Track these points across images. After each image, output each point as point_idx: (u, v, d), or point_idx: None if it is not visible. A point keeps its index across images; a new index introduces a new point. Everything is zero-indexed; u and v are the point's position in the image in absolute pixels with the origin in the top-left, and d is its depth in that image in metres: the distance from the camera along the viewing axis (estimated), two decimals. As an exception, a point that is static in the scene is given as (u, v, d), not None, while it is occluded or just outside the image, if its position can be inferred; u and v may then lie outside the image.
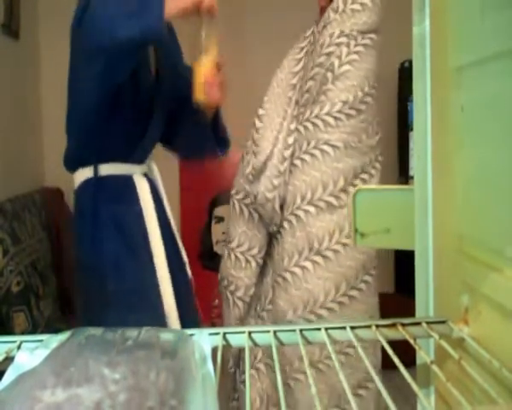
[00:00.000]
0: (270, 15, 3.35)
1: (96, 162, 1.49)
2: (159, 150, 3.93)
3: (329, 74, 1.59)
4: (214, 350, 0.60)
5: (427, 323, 0.67)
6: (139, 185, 1.53)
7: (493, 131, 0.60)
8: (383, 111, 3.64)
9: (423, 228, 0.77)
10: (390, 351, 0.61)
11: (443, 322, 0.67)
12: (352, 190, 1.54)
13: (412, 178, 0.82)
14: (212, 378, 0.50)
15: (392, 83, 3.61)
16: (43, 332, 2.48)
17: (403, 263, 3.53)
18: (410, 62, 0.77)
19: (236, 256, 1.77)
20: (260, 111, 1.72)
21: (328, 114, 1.59)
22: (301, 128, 1.64)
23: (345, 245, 1.58)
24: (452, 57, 0.68)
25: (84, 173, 1.52)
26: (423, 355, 0.64)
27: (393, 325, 0.66)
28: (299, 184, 1.61)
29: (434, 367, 0.60)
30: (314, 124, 1.60)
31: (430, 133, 0.76)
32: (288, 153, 1.65)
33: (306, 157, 1.61)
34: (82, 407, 0.42)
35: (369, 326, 0.67)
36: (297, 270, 1.59)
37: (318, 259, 1.58)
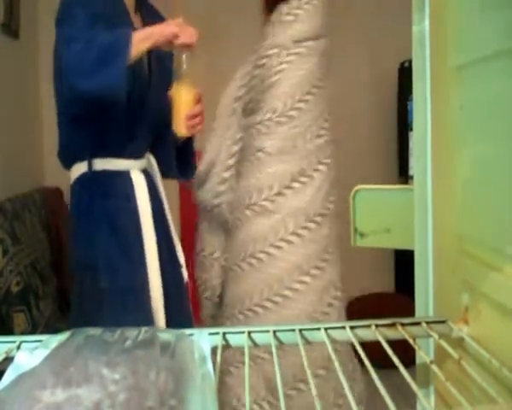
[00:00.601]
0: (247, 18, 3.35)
1: (90, 157, 1.46)
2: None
3: (262, 85, 1.71)
4: (214, 350, 0.60)
5: (427, 323, 0.67)
6: (136, 181, 1.50)
7: (493, 130, 0.60)
8: (383, 111, 3.65)
9: (423, 228, 0.77)
10: (389, 351, 0.61)
11: (442, 322, 0.67)
12: (289, 192, 1.69)
13: (412, 177, 0.82)
14: (212, 378, 0.50)
15: (392, 83, 3.61)
16: (42, 332, 2.48)
17: (402, 263, 3.53)
18: (410, 62, 0.77)
19: (202, 260, 1.91)
20: (214, 124, 1.86)
21: (260, 123, 1.71)
22: (245, 136, 1.77)
23: (279, 248, 1.68)
24: (452, 57, 0.68)
25: (79, 168, 1.50)
26: (423, 355, 0.64)
27: (393, 325, 0.66)
28: (241, 190, 1.75)
29: (434, 367, 0.60)
30: (251, 133, 1.73)
31: (430, 133, 0.76)
32: (232, 161, 1.79)
33: (246, 163, 1.74)
34: (81, 408, 0.42)
35: (368, 326, 0.67)
36: (238, 269, 1.75)
37: (253, 261, 1.70)
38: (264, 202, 1.69)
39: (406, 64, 3.41)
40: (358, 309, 2.99)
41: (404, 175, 3.45)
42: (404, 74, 3.45)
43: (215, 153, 1.82)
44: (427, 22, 0.75)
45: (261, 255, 1.69)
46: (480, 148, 0.63)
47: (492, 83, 0.59)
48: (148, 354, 0.50)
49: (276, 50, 1.70)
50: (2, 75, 2.89)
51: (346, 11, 3.41)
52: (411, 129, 0.80)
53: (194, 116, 1.47)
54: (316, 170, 1.74)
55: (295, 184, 1.70)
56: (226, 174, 1.79)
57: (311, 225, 1.70)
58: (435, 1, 0.73)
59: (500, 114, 0.58)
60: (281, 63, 1.69)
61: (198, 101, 1.48)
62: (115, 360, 0.48)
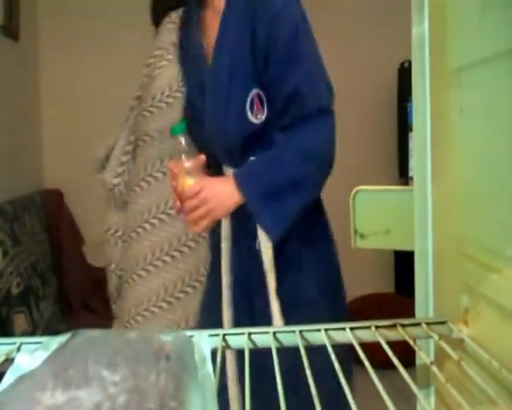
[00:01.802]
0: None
1: None
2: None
3: (147, 79, 1.93)
4: (214, 352, 0.60)
5: (427, 324, 0.67)
6: None
7: (493, 131, 0.60)
8: (383, 112, 3.65)
9: (423, 229, 0.77)
10: (389, 352, 0.61)
11: (442, 323, 0.67)
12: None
13: (412, 179, 0.82)
14: (212, 380, 0.50)
15: (392, 83, 3.61)
16: (43, 334, 2.48)
17: (402, 264, 3.53)
18: (410, 63, 0.77)
19: (108, 238, 2.08)
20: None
21: (144, 109, 1.92)
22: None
23: (161, 220, 1.87)
24: (451, 58, 0.68)
25: None
26: (423, 356, 0.64)
27: (393, 326, 0.66)
28: (133, 170, 1.96)
29: (434, 368, 0.61)
30: (138, 120, 1.94)
31: (430, 134, 0.76)
32: (129, 147, 2.02)
33: (136, 148, 1.95)
34: (81, 409, 0.42)
35: (368, 327, 0.67)
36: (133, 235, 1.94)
37: (140, 230, 1.91)
38: (148, 178, 1.92)
39: (406, 64, 3.41)
40: (358, 310, 2.99)
41: (404, 176, 3.45)
42: (404, 75, 3.45)
43: (114, 140, 2.07)
44: (426, 24, 0.75)
45: (154, 221, 1.91)
46: (479, 149, 0.63)
47: (492, 84, 0.59)
48: (149, 355, 0.50)
49: (160, 52, 1.95)
50: (2, 77, 2.89)
51: (346, 11, 3.41)
52: (411, 130, 0.81)
53: (191, 211, 1.25)
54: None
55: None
56: (124, 158, 2.04)
57: None
58: (435, 2, 0.73)
59: (500, 116, 0.58)
60: (162, 61, 1.94)
61: (191, 194, 1.25)
62: (115, 362, 0.48)
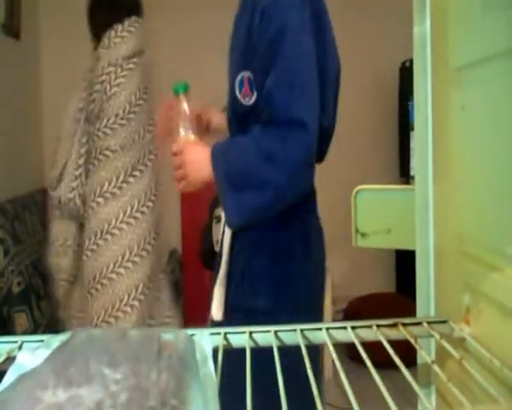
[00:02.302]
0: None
1: None
2: (160, 149, 3.91)
3: (104, 96, 2.18)
4: (215, 350, 0.60)
5: (428, 323, 0.67)
6: None
7: (494, 130, 0.60)
8: (384, 111, 3.65)
9: (424, 228, 0.77)
10: (391, 351, 0.61)
11: (444, 322, 0.67)
12: (132, 180, 2.20)
13: (413, 178, 0.82)
14: (213, 378, 0.50)
15: (393, 82, 3.61)
16: (44, 332, 2.48)
17: (404, 263, 3.53)
18: (411, 62, 0.77)
19: (57, 249, 2.32)
20: (61, 134, 2.29)
21: (106, 126, 2.18)
22: (91, 140, 2.22)
23: (128, 224, 2.19)
24: (453, 57, 0.68)
25: None
26: (424, 355, 0.64)
27: (394, 325, 0.66)
28: (93, 183, 2.19)
29: (435, 367, 0.60)
30: (98, 136, 2.19)
31: (431, 133, 0.76)
32: (81, 160, 2.25)
33: (94, 161, 2.20)
34: (83, 408, 0.42)
35: (369, 326, 0.67)
36: (94, 247, 2.19)
37: (108, 236, 2.18)
38: (113, 189, 2.18)
39: (407, 64, 3.41)
40: (359, 309, 2.99)
41: (405, 176, 3.45)
42: (405, 74, 3.45)
43: (65, 157, 2.28)
44: (428, 23, 0.75)
45: (115, 231, 2.18)
46: (481, 148, 0.63)
47: (493, 83, 0.59)
48: (150, 353, 0.50)
49: (112, 68, 2.19)
50: (2, 75, 2.89)
51: (346, 11, 3.41)
52: (412, 129, 0.80)
53: (174, 168, 1.26)
54: (149, 159, 2.27)
55: (135, 172, 2.22)
56: (77, 172, 2.25)
57: (149, 203, 2.24)
58: (436, 2, 0.73)
59: (501, 115, 0.58)
60: (117, 78, 2.20)
61: (174, 150, 1.27)
62: (117, 360, 0.48)
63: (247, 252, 1.25)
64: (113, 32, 2.21)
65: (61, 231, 2.31)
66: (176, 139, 1.28)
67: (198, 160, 1.21)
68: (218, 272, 1.26)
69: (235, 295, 1.24)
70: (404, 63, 3.46)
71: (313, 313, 1.28)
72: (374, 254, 3.49)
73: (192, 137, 1.28)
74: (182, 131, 1.28)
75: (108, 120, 2.17)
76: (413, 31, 0.77)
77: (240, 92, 1.22)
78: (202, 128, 1.45)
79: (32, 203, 2.94)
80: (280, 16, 1.13)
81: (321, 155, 1.28)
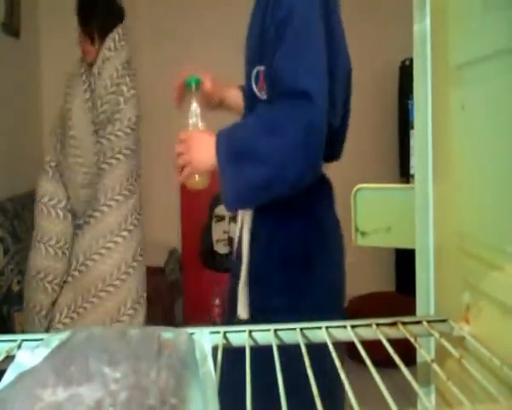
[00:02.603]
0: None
1: None
2: (159, 151, 3.92)
3: (117, 105, 2.23)
4: (214, 349, 0.60)
5: (428, 321, 0.67)
6: None
7: (494, 129, 0.60)
8: (384, 109, 3.65)
9: (424, 226, 0.77)
10: (390, 350, 0.61)
11: (443, 321, 0.67)
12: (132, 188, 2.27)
13: (413, 176, 0.82)
14: (213, 377, 0.50)
15: (393, 81, 3.60)
16: (43, 331, 2.48)
17: (403, 262, 3.53)
18: (411, 60, 0.77)
19: (47, 249, 2.24)
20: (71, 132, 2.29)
21: (119, 130, 2.22)
22: (103, 140, 2.22)
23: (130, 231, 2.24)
24: (453, 55, 0.68)
25: None
26: (424, 354, 0.64)
27: (394, 324, 0.66)
28: (105, 184, 2.21)
29: (435, 366, 0.60)
30: (110, 139, 2.21)
31: (431, 132, 0.76)
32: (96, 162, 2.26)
33: (110, 162, 2.22)
34: (83, 406, 0.42)
35: (369, 325, 0.67)
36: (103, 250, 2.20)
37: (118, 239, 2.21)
38: (124, 191, 2.23)
39: (407, 62, 3.41)
40: (359, 308, 2.99)
41: (405, 175, 3.44)
42: (405, 72, 3.45)
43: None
44: (428, 21, 0.75)
45: (125, 233, 2.24)
46: (481, 146, 0.63)
47: (494, 82, 0.59)
48: (150, 352, 0.50)
49: (126, 72, 2.26)
50: (2, 74, 2.89)
51: (346, 8, 3.41)
52: (412, 128, 0.80)
53: (177, 156, 1.24)
54: (139, 175, 2.36)
55: (139, 173, 2.33)
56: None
57: (139, 216, 2.30)
58: (436, 0, 0.73)
59: (501, 113, 0.58)
60: (132, 81, 2.27)
61: (180, 138, 1.25)
62: (116, 359, 0.48)
63: (265, 252, 1.24)
64: (117, 36, 2.27)
65: (53, 231, 2.26)
66: (184, 130, 1.28)
67: (203, 145, 1.19)
68: (236, 273, 1.26)
69: (257, 295, 1.23)
70: (403, 62, 3.46)
71: (333, 314, 1.25)
72: (373, 253, 3.49)
73: (201, 128, 1.29)
74: (190, 124, 1.29)
75: (122, 124, 2.22)
76: (413, 29, 0.77)
77: (256, 86, 1.22)
78: (214, 105, 1.46)
79: (32, 202, 2.93)
80: (291, 2, 1.12)
81: (334, 154, 1.28)
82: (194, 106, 1.30)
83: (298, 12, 1.11)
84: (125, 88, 2.25)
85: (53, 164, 2.36)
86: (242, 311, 1.22)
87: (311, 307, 1.20)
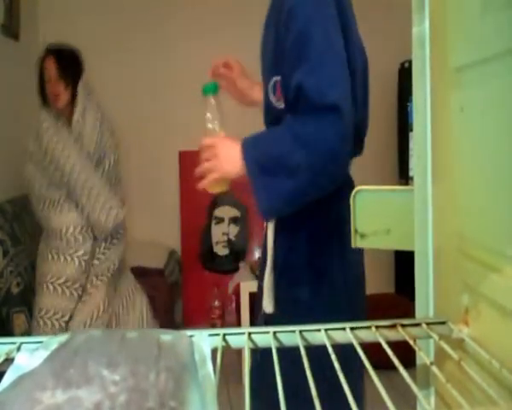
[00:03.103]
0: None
1: None
2: (159, 151, 3.90)
3: (104, 138, 2.48)
4: (214, 351, 0.60)
5: (427, 324, 0.67)
6: None
7: (493, 131, 0.60)
8: (383, 112, 3.65)
9: (423, 228, 0.77)
10: (390, 352, 0.61)
11: (443, 323, 0.67)
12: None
13: (412, 178, 0.82)
14: (212, 379, 0.50)
15: (392, 83, 3.61)
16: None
17: (403, 264, 3.53)
18: (410, 63, 0.77)
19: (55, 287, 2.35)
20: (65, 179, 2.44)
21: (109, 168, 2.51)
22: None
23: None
24: (452, 57, 0.68)
25: None
26: (423, 356, 0.64)
27: (393, 326, 0.66)
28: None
29: (434, 368, 0.60)
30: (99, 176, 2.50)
31: (430, 134, 0.76)
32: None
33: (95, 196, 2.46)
34: (82, 409, 0.42)
35: (368, 327, 0.66)
36: None
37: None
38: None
39: (406, 64, 3.41)
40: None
41: (404, 177, 3.45)
42: (404, 75, 3.45)
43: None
44: (427, 23, 0.75)
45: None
46: (480, 148, 0.63)
47: (493, 84, 0.59)
48: (149, 355, 0.50)
49: (102, 121, 2.43)
50: (2, 76, 2.89)
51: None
52: (411, 130, 0.80)
53: (202, 161, 1.29)
54: None
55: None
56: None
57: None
58: (435, 2, 0.73)
59: (500, 115, 0.58)
60: (108, 128, 2.48)
61: (205, 144, 1.29)
62: (115, 361, 0.48)
63: (288, 246, 1.27)
64: (84, 83, 2.46)
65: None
66: (206, 135, 1.32)
67: (231, 154, 1.22)
68: (263, 267, 1.29)
69: (281, 287, 1.26)
70: (403, 64, 3.47)
71: (354, 307, 1.29)
72: (373, 255, 3.49)
73: (222, 135, 1.32)
74: (211, 129, 1.33)
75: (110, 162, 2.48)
76: (412, 31, 0.77)
77: (274, 96, 1.25)
78: (247, 102, 1.50)
79: (31, 204, 2.93)
80: (306, 12, 1.14)
81: (357, 151, 1.34)
82: (214, 111, 1.33)
83: (314, 23, 1.13)
84: (105, 128, 2.44)
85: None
86: (268, 305, 1.24)
87: (332, 298, 1.25)
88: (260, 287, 1.31)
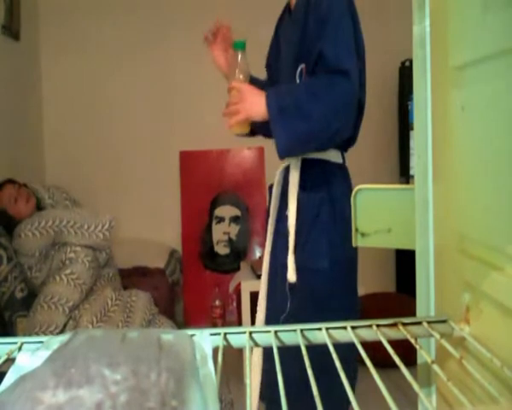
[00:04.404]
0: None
1: None
2: (159, 151, 3.90)
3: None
4: (215, 351, 0.60)
5: (428, 322, 0.67)
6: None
7: (494, 130, 0.60)
8: (384, 110, 3.65)
9: (424, 227, 0.77)
10: (391, 350, 0.61)
11: (444, 321, 0.67)
12: None
13: (413, 177, 0.81)
14: (213, 379, 0.50)
15: (393, 82, 3.60)
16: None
17: (404, 263, 3.53)
18: (411, 61, 0.77)
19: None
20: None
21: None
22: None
23: None
24: (453, 56, 0.68)
25: None
26: (424, 355, 0.64)
27: (394, 325, 0.66)
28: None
29: (435, 367, 0.60)
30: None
31: (430, 133, 0.76)
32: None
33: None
34: (83, 409, 0.42)
35: (369, 326, 0.66)
36: None
37: None
38: None
39: (407, 63, 3.41)
40: (360, 309, 2.98)
41: (405, 175, 3.45)
42: (405, 73, 3.45)
43: None
44: (427, 22, 0.75)
45: None
46: (480, 148, 0.63)
47: (494, 83, 0.59)
48: (150, 354, 0.50)
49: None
50: (2, 76, 2.89)
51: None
52: (412, 129, 0.80)
53: (230, 103, 1.51)
54: None
55: None
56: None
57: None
58: (436, 0, 0.73)
59: (501, 114, 0.58)
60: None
61: (234, 86, 1.51)
62: (116, 361, 0.48)
63: (308, 223, 1.48)
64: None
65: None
66: (233, 79, 1.54)
67: (256, 98, 1.44)
68: (285, 243, 1.48)
69: (301, 258, 1.46)
70: (403, 63, 3.46)
71: (355, 277, 1.56)
72: (374, 254, 3.49)
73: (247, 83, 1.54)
74: (240, 77, 1.54)
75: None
76: (412, 30, 0.77)
77: (300, 80, 1.48)
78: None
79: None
80: (328, 2, 1.40)
81: (351, 141, 1.55)
82: (242, 64, 1.55)
83: (336, 8, 1.40)
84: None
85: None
86: (291, 275, 1.43)
87: (345, 265, 1.50)
88: (277, 264, 1.53)
